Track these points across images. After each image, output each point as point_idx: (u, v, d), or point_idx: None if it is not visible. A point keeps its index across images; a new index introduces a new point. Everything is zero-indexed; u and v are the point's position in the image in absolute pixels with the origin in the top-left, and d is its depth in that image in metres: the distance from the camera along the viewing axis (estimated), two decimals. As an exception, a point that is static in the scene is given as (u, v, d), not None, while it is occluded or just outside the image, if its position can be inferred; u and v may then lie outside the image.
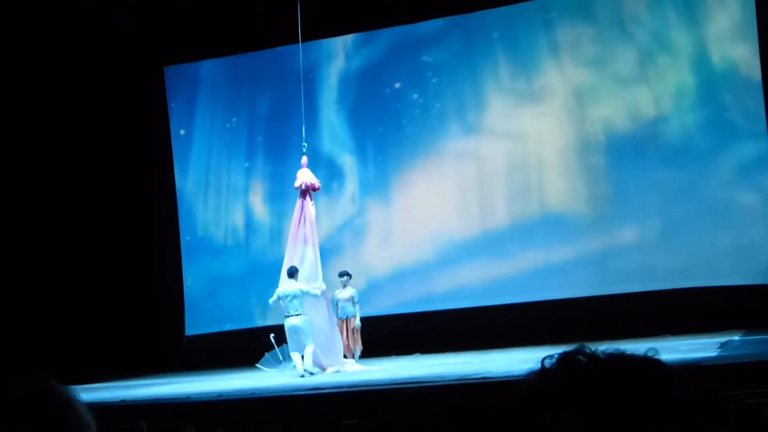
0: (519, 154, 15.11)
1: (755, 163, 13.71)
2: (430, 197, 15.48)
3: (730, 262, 13.66)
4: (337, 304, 13.38)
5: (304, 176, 13.20)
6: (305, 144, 13.45)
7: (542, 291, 14.56)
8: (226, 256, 16.81)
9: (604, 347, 1.34)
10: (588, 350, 1.30)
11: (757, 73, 13.74)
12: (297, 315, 12.42)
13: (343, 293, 13.43)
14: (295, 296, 12.46)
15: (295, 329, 12.39)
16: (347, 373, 12.25)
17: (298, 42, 13.51)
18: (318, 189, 13.44)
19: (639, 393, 1.22)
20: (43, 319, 15.20)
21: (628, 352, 1.31)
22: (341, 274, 13.68)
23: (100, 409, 1.57)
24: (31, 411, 1.51)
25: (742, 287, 13.30)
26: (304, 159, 13.35)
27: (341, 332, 13.25)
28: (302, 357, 12.32)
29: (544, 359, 1.32)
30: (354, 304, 13.44)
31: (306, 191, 13.21)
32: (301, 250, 13.06)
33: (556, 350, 1.35)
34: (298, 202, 13.27)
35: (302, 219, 13.15)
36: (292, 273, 12.65)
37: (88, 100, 16.36)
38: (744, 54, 13.89)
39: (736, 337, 11.75)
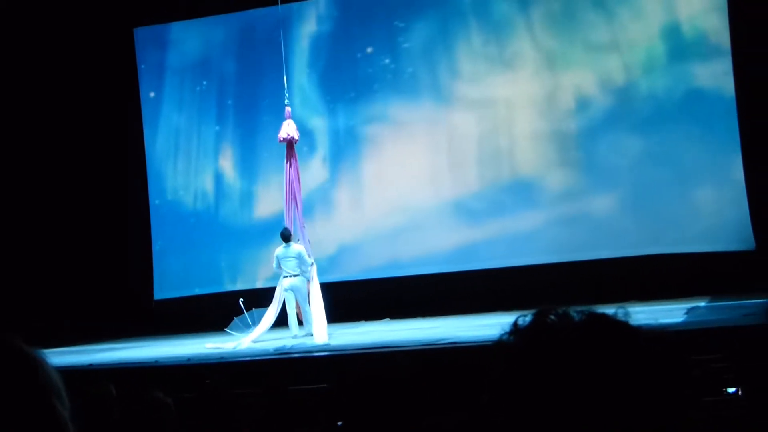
0: (490, 120, 15.11)
1: (723, 131, 13.79)
2: (401, 162, 15.46)
3: (697, 229, 13.79)
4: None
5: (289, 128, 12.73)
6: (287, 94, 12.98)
7: (511, 257, 14.63)
8: (196, 220, 16.74)
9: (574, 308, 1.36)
10: (560, 310, 1.32)
11: (726, 42, 13.80)
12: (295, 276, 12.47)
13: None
14: (293, 257, 12.49)
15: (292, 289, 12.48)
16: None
17: (271, 5, 13.35)
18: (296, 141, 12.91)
19: (611, 353, 1.24)
20: (8, 282, 15.08)
21: (599, 311, 1.32)
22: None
23: (68, 373, 1.55)
24: (1, 370, 1.45)
25: (709, 254, 13.42)
26: (288, 110, 12.91)
27: None
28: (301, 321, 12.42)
29: (517, 319, 1.33)
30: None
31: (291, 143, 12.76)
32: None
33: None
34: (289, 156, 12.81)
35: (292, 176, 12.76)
36: (288, 236, 12.63)
37: (56, 61, 16.15)
38: (714, 23, 13.93)
39: (702, 303, 11.88)
